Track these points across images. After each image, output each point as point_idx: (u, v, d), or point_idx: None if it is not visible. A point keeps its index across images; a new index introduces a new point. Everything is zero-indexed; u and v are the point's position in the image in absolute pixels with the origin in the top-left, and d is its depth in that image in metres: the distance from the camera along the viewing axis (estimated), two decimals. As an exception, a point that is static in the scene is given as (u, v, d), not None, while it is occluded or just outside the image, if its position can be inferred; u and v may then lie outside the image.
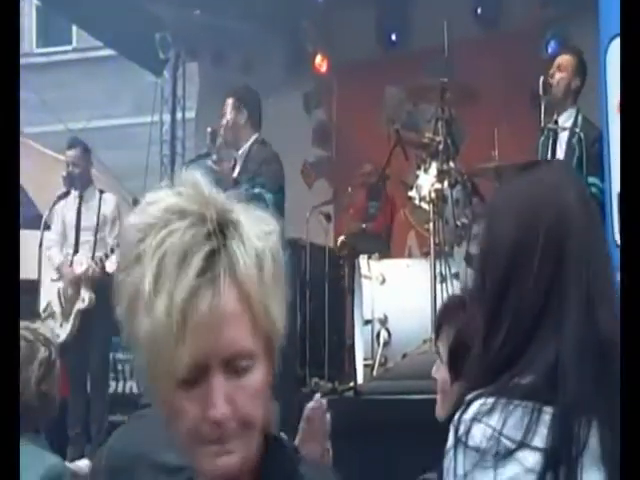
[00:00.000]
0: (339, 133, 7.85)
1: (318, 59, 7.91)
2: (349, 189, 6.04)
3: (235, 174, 4.56)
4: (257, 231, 0.91)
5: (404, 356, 4.49)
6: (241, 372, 0.89)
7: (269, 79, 7.65)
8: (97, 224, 5.16)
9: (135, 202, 6.23)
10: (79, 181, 5.26)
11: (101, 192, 5.34)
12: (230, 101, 4.62)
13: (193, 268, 0.86)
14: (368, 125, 7.38)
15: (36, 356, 2.02)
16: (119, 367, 5.93)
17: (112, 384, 5.72)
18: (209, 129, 4.51)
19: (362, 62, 7.53)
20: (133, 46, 7.91)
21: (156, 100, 7.87)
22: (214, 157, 4.48)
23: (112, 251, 4.97)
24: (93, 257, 5.07)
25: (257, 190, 4.35)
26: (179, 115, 8.08)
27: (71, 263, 5.12)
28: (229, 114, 4.59)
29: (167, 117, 8.10)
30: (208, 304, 0.86)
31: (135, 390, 5.85)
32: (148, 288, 0.86)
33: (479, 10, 7.27)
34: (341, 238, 5.70)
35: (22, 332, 1.99)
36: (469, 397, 1.14)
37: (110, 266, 4.97)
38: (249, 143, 4.58)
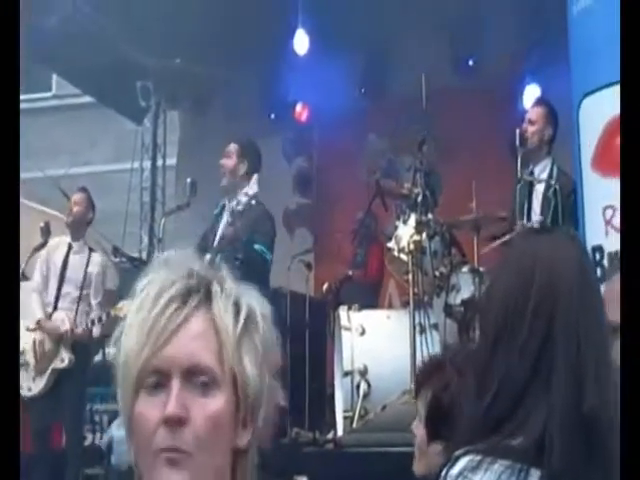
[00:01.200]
0: (319, 181, 7.97)
1: (298, 107, 8.06)
2: (337, 235, 6.11)
3: (222, 226, 4.60)
4: (243, 290, 1.00)
5: (384, 407, 4.52)
6: (201, 389, 0.96)
7: (250, 127, 7.77)
8: (83, 280, 5.10)
9: (115, 251, 6.29)
10: (75, 227, 5.20)
11: (90, 250, 5.27)
12: (234, 147, 4.68)
13: (172, 293, 0.96)
14: (349, 173, 7.51)
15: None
16: (96, 418, 5.89)
17: (89, 436, 5.67)
18: (189, 180, 4.55)
19: (343, 111, 7.68)
20: (113, 94, 8.01)
21: (136, 147, 7.95)
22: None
23: (100, 320, 4.93)
24: (76, 316, 5.00)
25: (257, 247, 4.41)
26: (159, 162, 8.16)
27: (50, 316, 5.05)
28: (232, 159, 4.63)
29: (147, 164, 8.17)
30: (178, 320, 0.95)
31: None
32: (132, 308, 0.97)
33: (458, 62, 7.47)
34: (328, 283, 5.74)
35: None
36: (457, 453, 1.17)
37: (96, 331, 4.95)
38: (245, 197, 4.62)
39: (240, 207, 4.37)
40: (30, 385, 4.81)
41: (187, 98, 8.31)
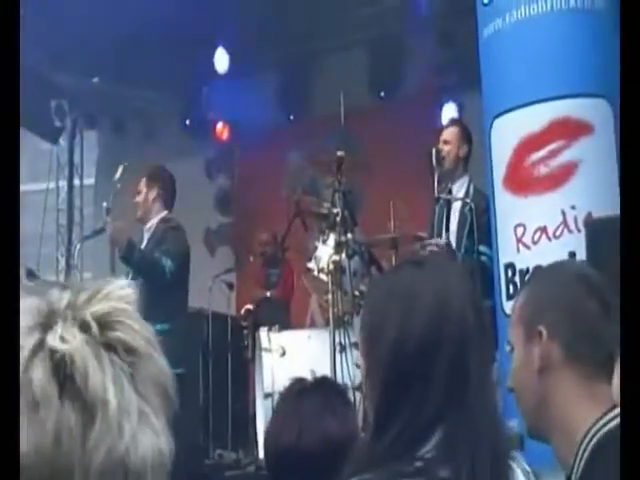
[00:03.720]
0: (240, 200, 7.95)
1: (219, 126, 8.03)
2: (250, 258, 6.09)
3: (142, 246, 4.57)
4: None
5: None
6: None
7: (170, 146, 7.70)
8: None
9: (29, 273, 6.08)
10: None
11: None
12: (142, 181, 4.70)
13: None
14: (269, 192, 7.51)
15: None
16: None
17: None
18: (105, 204, 4.51)
19: (263, 129, 7.69)
20: (28, 113, 7.81)
21: (52, 168, 7.77)
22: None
23: None
24: None
25: (157, 254, 4.38)
26: (77, 182, 7.98)
27: None
28: (141, 194, 4.65)
29: (64, 185, 7.98)
30: None
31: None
32: None
33: (376, 82, 7.59)
34: (246, 307, 5.72)
35: None
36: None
37: None
38: (157, 219, 4.63)
39: (148, 226, 4.39)
40: None
41: (105, 118, 8.18)
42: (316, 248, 5.11)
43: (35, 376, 0.77)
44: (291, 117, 7.82)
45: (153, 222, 4.63)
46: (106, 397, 0.76)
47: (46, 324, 0.79)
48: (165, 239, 4.49)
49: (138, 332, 0.82)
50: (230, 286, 6.11)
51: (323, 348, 4.61)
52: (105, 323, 0.80)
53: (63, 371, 0.76)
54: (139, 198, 4.63)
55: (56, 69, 7.51)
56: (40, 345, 0.78)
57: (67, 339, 0.78)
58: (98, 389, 0.77)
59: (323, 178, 6.86)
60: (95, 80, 7.59)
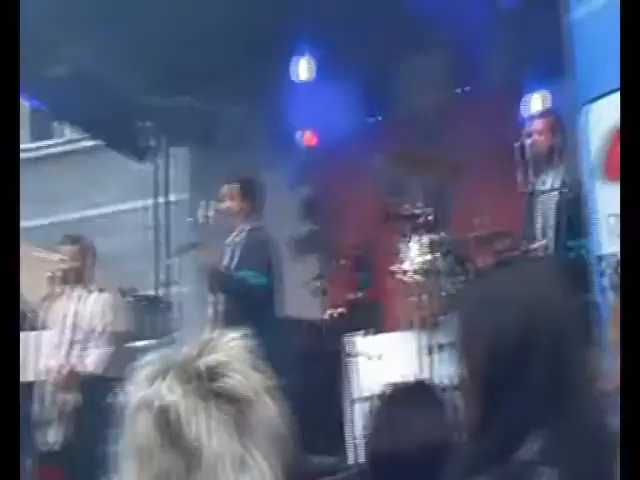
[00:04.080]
0: (327, 206, 7.95)
1: (306, 134, 8.08)
2: (341, 261, 6.08)
3: (225, 262, 4.63)
4: None
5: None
6: None
7: (258, 156, 7.80)
8: (88, 323, 5.10)
9: (123, 293, 6.29)
10: (76, 278, 5.17)
11: (100, 291, 5.23)
12: (235, 188, 4.73)
13: None
14: (356, 196, 7.48)
15: None
16: (107, 461, 5.83)
17: (113, 477, 5.61)
18: (190, 219, 4.61)
19: (349, 135, 7.67)
20: (119, 136, 8.09)
21: (145, 186, 8.01)
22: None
23: (91, 348, 4.93)
24: (78, 356, 5.02)
25: (243, 274, 4.43)
26: (169, 199, 8.20)
27: (60, 366, 5.05)
28: (234, 200, 4.69)
29: (157, 202, 8.21)
30: None
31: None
32: None
33: (458, 77, 7.45)
34: (338, 311, 5.71)
35: None
36: None
37: (91, 365, 4.94)
38: (247, 229, 4.67)
39: (238, 240, 4.42)
40: (53, 438, 4.82)
41: (191, 134, 8.37)
42: (405, 250, 5.06)
43: (139, 426, 0.81)
44: (379, 118, 7.77)
45: (243, 232, 4.68)
46: (204, 445, 0.78)
47: (154, 377, 0.82)
48: (255, 252, 4.52)
49: (244, 382, 0.84)
50: (321, 292, 6.12)
51: (414, 350, 4.56)
52: (212, 374, 0.83)
53: (165, 420, 0.79)
54: (230, 206, 4.67)
55: (143, 91, 7.74)
56: (145, 397, 0.82)
57: (171, 391, 0.81)
58: (197, 437, 0.79)
59: (409, 179, 6.77)
60: (183, 99, 7.78)
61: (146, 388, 0.83)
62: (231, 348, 0.86)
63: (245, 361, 0.85)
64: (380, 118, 7.73)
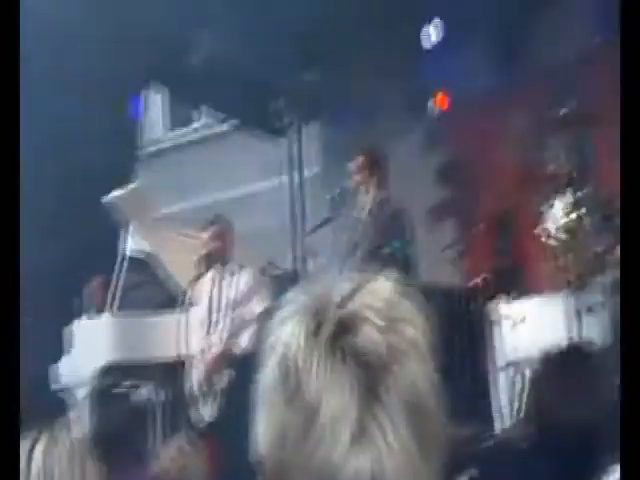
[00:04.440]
0: (463, 170, 7.71)
1: (438, 98, 7.86)
2: (479, 226, 5.89)
3: (359, 235, 4.61)
4: None
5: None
6: None
7: (390, 125, 7.68)
8: (234, 301, 5.21)
9: (264, 271, 6.38)
10: (219, 258, 5.29)
11: (240, 268, 5.31)
12: (362, 160, 4.70)
13: None
14: (494, 158, 7.19)
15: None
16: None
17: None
18: (328, 196, 4.63)
19: (482, 95, 7.39)
20: (252, 117, 8.23)
21: (281, 164, 8.11)
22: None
23: (243, 327, 5.02)
24: (229, 335, 5.12)
25: (396, 244, 4.39)
26: (303, 175, 8.26)
27: (209, 344, 5.18)
28: (362, 173, 4.66)
29: (291, 179, 8.29)
30: None
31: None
32: None
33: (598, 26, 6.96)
34: (481, 276, 5.54)
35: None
36: None
37: (244, 342, 5.04)
38: (376, 201, 4.64)
39: (369, 213, 4.40)
40: (208, 413, 4.98)
41: (324, 109, 8.37)
42: (548, 210, 4.84)
43: (265, 373, 0.75)
44: (513, 76, 7.42)
45: (372, 204, 4.64)
46: (321, 402, 0.71)
47: (282, 321, 0.76)
48: (391, 222, 4.47)
49: (380, 339, 0.72)
50: (459, 258, 5.94)
51: (561, 314, 4.34)
52: (344, 326, 0.73)
53: (285, 370, 0.73)
54: (360, 178, 4.64)
55: (275, 71, 7.80)
56: (270, 342, 0.76)
57: (293, 338, 0.74)
58: (315, 393, 0.71)
59: (550, 137, 6.42)
60: (312, 75, 7.78)
61: (275, 332, 0.76)
62: (373, 298, 0.75)
63: (388, 315, 0.74)
64: (516, 76, 7.36)
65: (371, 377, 0.71)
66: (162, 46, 6.92)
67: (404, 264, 4.39)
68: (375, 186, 4.68)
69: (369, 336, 0.72)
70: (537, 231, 4.81)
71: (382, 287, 0.77)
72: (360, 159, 4.71)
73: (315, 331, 0.73)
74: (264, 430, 0.74)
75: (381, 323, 0.73)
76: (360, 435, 0.70)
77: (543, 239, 4.81)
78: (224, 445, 4.98)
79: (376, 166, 4.71)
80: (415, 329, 0.75)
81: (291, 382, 0.73)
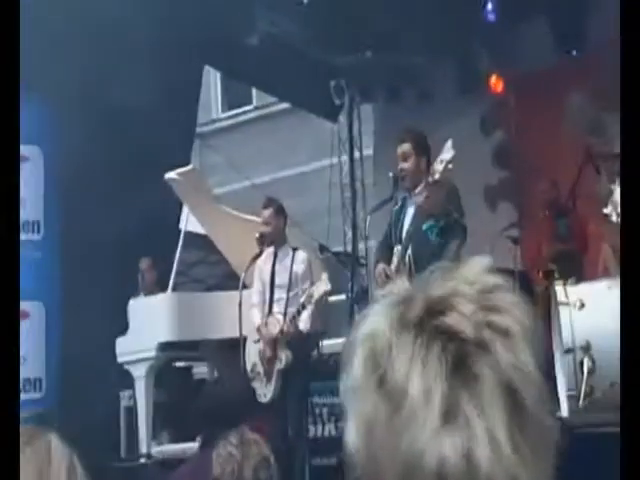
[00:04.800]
0: (520, 151, 7.56)
1: (493, 79, 7.72)
2: (537, 208, 5.77)
3: (410, 217, 4.59)
4: None
5: (612, 385, 4.16)
6: None
7: (445, 107, 7.58)
8: (289, 282, 5.23)
9: (322, 249, 6.38)
10: (273, 240, 5.33)
11: (294, 250, 5.37)
12: (408, 147, 4.64)
13: None
14: (550, 140, 7.05)
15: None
16: (317, 411, 6.01)
17: (311, 428, 5.79)
18: (391, 174, 4.58)
19: (538, 75, 7.22)
20: (308, 97, 8.19)
21: (333, 145, 8.06)
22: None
23: (304, 307, 5.04)
24: (285, 316, 5.14)
25: (428, 224, 4.36)
26: (356, 156, 8.21)
27: (266, 324, 5.22)
28: (409, 161, 4.61)
29: (345, 159, 8.24)
30: None
31: (334, 432, 5.89)
32: None
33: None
34: (534, 259, 5.44)
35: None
36: None
37: (303, 323, 5.06)
38: (423, 185, 4.60)
39: (422, 197, 4.35)
40: (264, 392, 5.04)
41: (380, 89, 8.29)
42: (611, 192, 4.70)
43: (354, 363, 0.74)
44: (573, 53, 7.22)
45: (422, 188, 4.61)
46: (409, 386, 0.70)
47: (374, 312, 0.75)
48: (447, 198, 4.43)
49: (473, 318, 0.71)
50: (515, 241, 5.84)
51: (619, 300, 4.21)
52: (432, 310, 0.72)
53: (373, 355, 0.73)
54: (408, 166, 4.59)
55: (332, 50, 7.75)
56: (360, 331, 0.75)
57: (383, 324, 0.73)
58: (401, 380, 0.71)
59: (609, 115, 6.25)
60: (368, 54, 7.70)
61: (366, 325, 0.75)
62: (464, 284, 0.73)
63: (479, 302, 0.72)
64: (574, 53, 7.16)
65: (460, 362, 0.70)
66: (219, 26, 6.93)
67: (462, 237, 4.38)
68: (423, 171, 4.64)
69: (458, 322, 0.71)
70: (601, 213, 4.68)
71: (473, 272, 0.75)
72: (407, 145, 4.66)
73: (403, 316, 0.73)
74: (354, 420, 0.74)
75: (471, 309, 0.72)
76: (448, 419, 0.69)
77: (607, 222, 4.68)
78: (278, 424, 5.03)
79: (424, 151, 4.66)
80: (508, 317, 0.73)
81: (379, 369, 0.72)
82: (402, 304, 0.74)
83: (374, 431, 0.72)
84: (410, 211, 4.59)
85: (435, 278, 0.75)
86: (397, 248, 4.51)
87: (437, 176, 4.26)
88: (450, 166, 4.25)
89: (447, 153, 4.32)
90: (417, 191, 4.57)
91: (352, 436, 0.74)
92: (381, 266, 4.48)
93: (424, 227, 4.42)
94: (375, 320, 0.74)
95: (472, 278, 0.74)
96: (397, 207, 4.68)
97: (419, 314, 0.72)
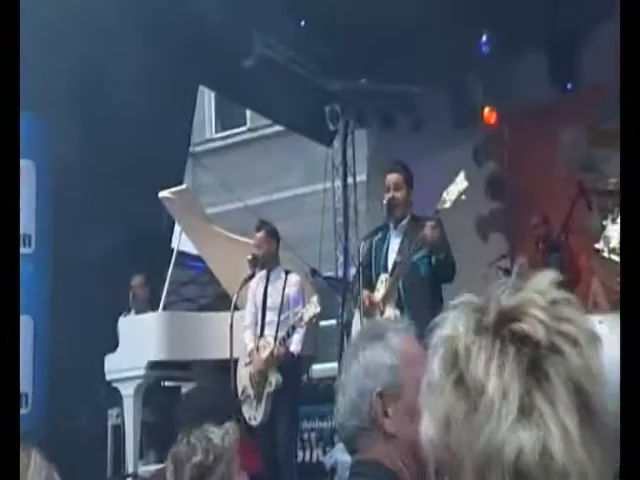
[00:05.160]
0: (512, 183, 7.64)
1: (486, 111, 7.80)
2: (529, 241, 5.82)
3: (396, 247, 4.64)
4: None
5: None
6: None
7: (438, 136, 7.64)
8: (281, 304, 5.23)
9: (313, 273, 6.38)
10: (265, 263, 5.35)
11: (287, 272, 5.38)
12: (398, 178, 4.70)
13: None
14: (543, 173, 7.12)
15: (191, 459, 2.12)
16: (305, 436, 5.98)
17: (299, 453, 5.76)
18: (385, 201, 4.61)
19: (532, 109, 7.32)
20: (303, 120, 8.23)
21: (327, 169, 8.09)
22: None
23: (294, 329, 5.03)
24: (276, 338, 5.13)
25: (419, 255, 4.41)
26: (350, 181, 8.24)
27: (257, 348, 5.20)
28: (400, 191, 4.67)
29: (338, 184, 8.27)
30: None
31: (321, 458, 5.85)
32: None
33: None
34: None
35: (190, 435, 2.11)
36: None
37: (293, 346, 5.05)
38: (408, 218, 4.66)
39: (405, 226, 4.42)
40: (254, 414, 5.01)
41: (374, 116, 8.35)
42: (604, 227, 4.75)
43: (432, 363, 0.79)
44: (568, 87, 7.32)
45: (404, 223, 4.69)
46: (487, 385, 0.75)
47: (453, 318, 0.81)
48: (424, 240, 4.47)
49: (545, 325, 0.77)
50: (506, 272, 5.87)
51: (614, 333, 4.24)
52: (507, 316, 0.78)
53: (452, 356, 0.78)
54: (395, 196, 4.64)
55: (328, 75, 7.81)
56: (439, 335, 0.81)
57: (462, 327, 0.79)
58: (478, 378, 0.76)
59: (602, 152, 6.33)
60: (363, 81, 7.76)
61: (444, 328, 0.81)
62: (536, 294, 0.80)
63: (550, 312, 0.79)
64: (569, 87, 7.26)
65: (533, 364, 0.76)
66: (216, 46, 6.97)
67: (446, 275, 4.42)
68: (409, 203, 4.70)
69: (532, 327, 0.77)
70: (593, 248, 4.73)
71: (543, 284, 0.81)
72: (396, 176, 4.71)
73: (480, 322, 0.79)
74: (432, 416, 0.79)
75: (544, 316, 0.78)
76: (523, 415, 0.74)
77: (599, 257, 4.73)
78: (266, 447, 4.99)
79: (410, 184, 4.73)
80: (577, 327, 0.79)
81: (458, 369, 0.77)
82: (478, 311, 0.80)
83: (452, 426, 0.77)
84: (395, 241, 4.64)
85: (505, 289, 0.81)
86: (384, 277, 4.54)
87: (447, 205, 4.30)
88: (464, 197, 4.31)
89: (461, 184, 4.36)
90: (403, 223, 4.63)
91: (430, 431, 0.79)
92: (365, 293, 4.52)
93: (415, 258, 4.45)
94: (454, 324, 0.80)
95: (542, 289, 0.80)
96: (378, 237, 4.74)
97: (495, 320, 0.78)
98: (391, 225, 4.70)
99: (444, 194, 4.36)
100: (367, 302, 4.50)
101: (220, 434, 2.20)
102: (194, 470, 2.14)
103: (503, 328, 0.77)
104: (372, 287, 4.61)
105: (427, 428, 0.79)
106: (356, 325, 4.67)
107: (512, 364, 0.75)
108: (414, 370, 1.45)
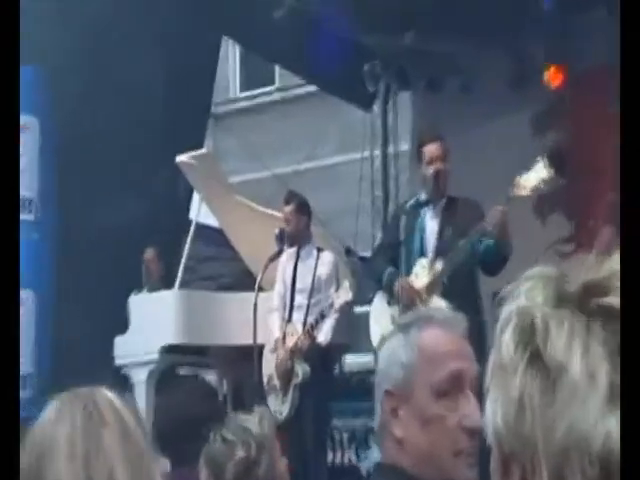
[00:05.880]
0: (577, 156, 7.49)
1: (550, 72, 7.66)
2: (591, 221, 5.71)
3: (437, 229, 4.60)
4: None
5: None
6: None
7: (492, 100, 7.53)
8: (312, 286, 5.18)
9: (347, 252, 6.33)
10: (294, 239, 5.28)
11: (319, 250, 5.32)
12: (440, 147, 4.66)
13: None
14: (611, 144, 6.98)
15: (233, 457, 2.08)
16: (336, 436, 5.95)
17: (329, 455, 5.73)
18: (432, 173, 4.59)
19: (600, 70, 7.17)
20: (338, 81, 8.15)
21: (365, 136, 8.02)
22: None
23: (323, 317, 4.99)
24: (305, 324, 5.09)
25: (489, 242, 4.36)
26: (390, 150, 8.16)
27: (284, 335, 5.17)
28: (443, 163, 4.64)
29: (377, 153, 8.19)
30: None
31: (354, 459, 5.83)
32: None
33: None
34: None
35: (223, 431, 2.07)
36: None
37: (322, 335, 5.01)
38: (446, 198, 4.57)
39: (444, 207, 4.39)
40: (281, 408, 4.99)
41: (420, 77, 8.23)
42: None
43: (504, 339, 0.79)
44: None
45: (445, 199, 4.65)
46: (567, 365, 0.75)
47: (527, 289, 0.81)
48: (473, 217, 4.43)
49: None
50: (566, 257, 5.79)
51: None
52: (591, 291, 0.78)
53: (529, 333, 0.77)
54: (444, 167, 4.60)
55: (367, 30, 7.70)
56: (514, 308, 0.80)
57: (540, 301, 0.79)
58: (559, 355, 0.76)
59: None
60: (408, 36, 7.64)
61: (519, 300, 0.80)
62: (613, 267, 0.79)
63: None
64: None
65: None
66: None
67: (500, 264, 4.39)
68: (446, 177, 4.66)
69: (618, 300, 0.77)
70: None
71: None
72: (438, 146, 4.66)
73: (559, 293, 0.79)
74: (501, 400, 0.79)
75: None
76: (611, 397, 0.75)
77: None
78: (293, 448, 4.98)
79: (448, 158, 4.68)
80: None
81: (533, 344, 0.77)
82: (558, 282, 0.80)
83: (526, 409, 0.77)
84: (433, 222, 4.60)
85: (589, 261, 0.81)
86: (424, 261, 4.50)
87: (523, 193, 4.26)
88: (543, 186, 4.28)
89: (541, 171, 4.32)
90: (442, 202, 4.58)
91: (499, 416, 0.78)
92: (404, 280, 4.48)
93: (468, 241, 4.40)
94: (530, 294, 0.79)
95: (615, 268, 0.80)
96: (409, 213, 4.69)
97: (580, 292, 0.78)
98: (426, 202, 4.64)
99: (519, 179, 4.29)
100: (406, 288, 4.45)
101: (256, 420, 2.16)
102: (238, 467, 2.11)
103: (589, 302, 0.77)
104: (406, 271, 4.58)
105: (495, 413, 0.78)
106: (376, 311, 4.63)
107: (599, 342, 0.76)
108: (431, 371, 1.48)
